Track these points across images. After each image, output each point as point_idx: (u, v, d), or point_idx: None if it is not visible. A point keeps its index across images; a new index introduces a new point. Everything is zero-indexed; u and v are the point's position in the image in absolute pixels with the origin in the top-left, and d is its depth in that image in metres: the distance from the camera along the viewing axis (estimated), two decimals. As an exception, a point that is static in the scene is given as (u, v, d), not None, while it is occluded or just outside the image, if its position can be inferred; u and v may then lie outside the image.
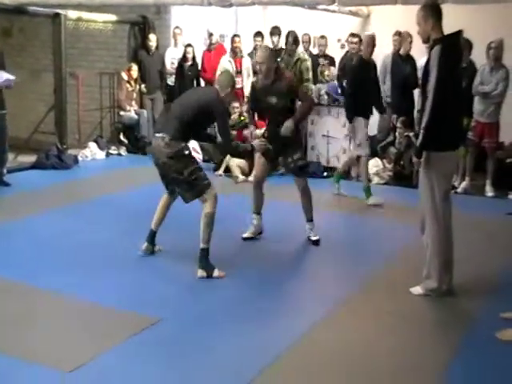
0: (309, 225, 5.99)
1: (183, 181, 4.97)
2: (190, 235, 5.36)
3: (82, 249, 5.57)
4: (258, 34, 10.22)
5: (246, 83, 9.62)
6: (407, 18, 9.59)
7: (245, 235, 5.95)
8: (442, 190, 4.61)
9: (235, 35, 10.14)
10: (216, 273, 4.93)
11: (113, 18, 10.43)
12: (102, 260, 5.33)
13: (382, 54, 9.93)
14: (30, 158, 8.99)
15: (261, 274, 5.15)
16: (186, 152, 5.02)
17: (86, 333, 4.06)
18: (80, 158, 9.42)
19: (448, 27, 4.59)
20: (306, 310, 4.53)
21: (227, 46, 10.43)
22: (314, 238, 5.93)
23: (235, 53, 9.87)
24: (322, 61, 9.82)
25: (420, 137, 4.50)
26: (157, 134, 5.07)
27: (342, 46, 10.75)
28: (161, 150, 4.95)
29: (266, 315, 4.46)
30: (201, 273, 4.93)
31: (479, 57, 8.27)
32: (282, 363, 3.73)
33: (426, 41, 4.65)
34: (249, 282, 4.97)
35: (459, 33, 4.63)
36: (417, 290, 4.76)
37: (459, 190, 8.43)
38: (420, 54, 9.19)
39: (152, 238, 5.41)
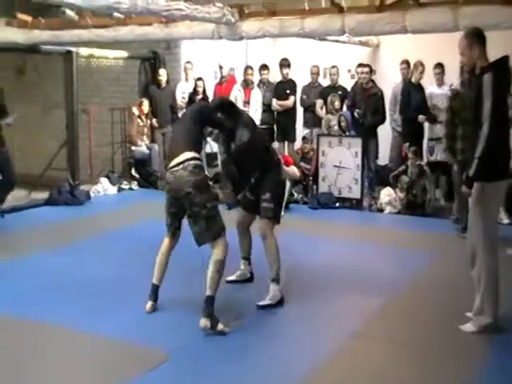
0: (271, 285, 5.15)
1: (204, 216, 4.56)
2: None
3: (93, 284, 5.54)
4: (264, 66, 10.31)
5: (252, 115, 9.68)
6: (416, 48, 9.79)
7: (228, 278, 5.43)
8: (495, 220, 4.56)
9: (248, 67, 10.22)
10: (220, 326, 4.51)
11: (123, 54, 10.55)
12: (113, 294, 5.30)
13: (391, 84, 10.03)
14: (43, 195, 9.03)
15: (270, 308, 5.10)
16: (210, 182, 4.92)
17: (93, 368, 4.03)
18: (92, 194, 9.45)
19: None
20: (322, 342, 4.46)
21: (238, 78, 10.50)
22: (260, 303, 5.07)
23: (247, 83, 9.93)
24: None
25: (473, 166, 4.38)
26: (175, 168, 4.63)
27: (352, 77, 10.79)
28: (184, 180, 4.55)
29: (282, 348, 4.40)
30: (204, 322, 4.48)
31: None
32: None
33: (472, 69, 4.64)
34: (256, 318, 4.90)
35: (506, 58, 4.59)
36: (468, 327, 4.60)
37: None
38: (428, 82, 9.28)
39: (156, 294, 4.93)
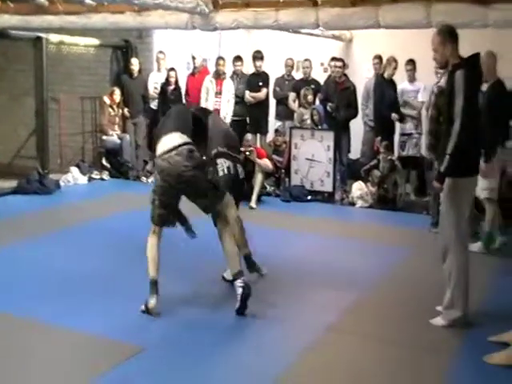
0: None
1: (210, 188, 4.73)
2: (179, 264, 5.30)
3: (65, 277, 5.44)
4: (238, 58, 10.27)
5: (224, 107, 9.64)
6: (389, 43, 9.83)
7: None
8: (466, 215, 4.59)
9: (220, 57, 10.16)
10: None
11: (95, 41, 10.40)
12: (85, 288, 5.20)
13: (363, 78, 10.06)
14: (11, 184, 8.87)
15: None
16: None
17: (68, 362, 3.97)
18: (62, 183, 9.31)
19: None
20: (296, 337, 4.46)
21: (211, 69, 10.44)
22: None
23: (218, 74, 9.88)
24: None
25: (445, 162, 4.42)
26: (168, 154, 4.55)
27: (325, 70, 10.80)
28: (182, 166, 4.52)
29: (256, 343, 4.39)
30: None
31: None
32: None
33: (444, 66, 4.67)
34: (229, 312, 4.83)
35: (478, 55, 4.63)
36: (438, 321, 4.64)
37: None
38: (400, 79, 9.33)
39: (157, 287, 4.67)
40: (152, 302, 4.63)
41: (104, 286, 5.25)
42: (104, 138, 10.25)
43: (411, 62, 9.24)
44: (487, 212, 6.57)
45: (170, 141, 4.62)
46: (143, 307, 4.65)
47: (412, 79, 9.32)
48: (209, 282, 5.35)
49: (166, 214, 4.77)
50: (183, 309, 4.81)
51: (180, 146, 4.59)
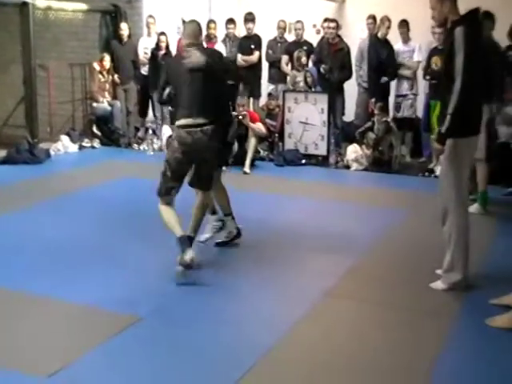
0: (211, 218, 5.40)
1: (210, 170, 4.89)
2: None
3: (57, 248, 5.33)
4: (231, 20, 10.11)
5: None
6: (382, 3, 9.65)
7: (217, 240, 5.41)
8: (466, 176, 4.51)
9: (211, 21, 9.97)
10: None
11: (83, 6, 10.19)
12: (78, 259, 5.10)
13: (357, 39, 9.89)
14: (0, 153, 8.71)
15: (243, 267, 5.02)
16: None
17: (64, 335, 3.89)
18: (52, 152, 9.14)
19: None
20: (293, 303, 4.39)
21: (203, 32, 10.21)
22: (217, 241, 5.39)
23: (210, 38, 9.69)
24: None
25: (446, 122, 4.29)
26: (193, 129, 4.66)
27: (318, 32, 10.61)
28: (204, 145, 4.70)
29: (252, 309, 4.32)
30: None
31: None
32: (270, 361, 3.59)
33: (442, 24, 4.54)
34: (232, 278, 4.81)
35: (477, 11, 4.47)
36: (438, 284, 4.57)
37: (437, 173, 8.33)
38: (395, 39, 9.17)
39: (190, 242, 4.66)
40: (189, 254, 4.50)
41: (97, 256, 5.15)
42: (94, 105, 10.08)
43: (404, 23, 9.08)
44: (478, 172, 6.49)
45: (196, 116, 4.66)
46: (179, 268, 4.54)
47: (406, 40, 9.16)
48: (203, 248, 5.24)
49: (176, 187, 4.77)
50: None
51: (205, 124, 4.68)
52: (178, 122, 4.74)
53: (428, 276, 4.71)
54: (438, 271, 4.68)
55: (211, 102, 4.79)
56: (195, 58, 4.74)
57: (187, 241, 4.59)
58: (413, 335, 3.94)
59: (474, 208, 6.29)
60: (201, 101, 4.72)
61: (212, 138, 4.73)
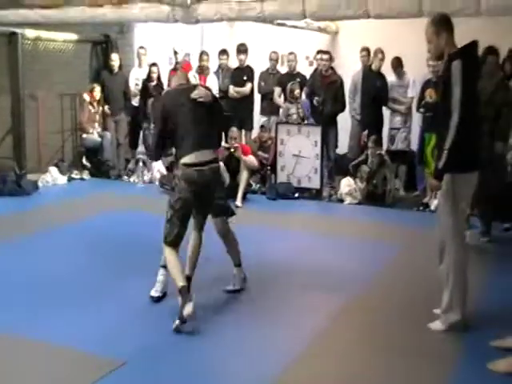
0: (236, 270, 5.12)
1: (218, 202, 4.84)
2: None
3: (39, 284, 5.10)
4: (223, 51, 10.06)
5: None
6: (376, 35, 9.60)
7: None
8: (464, 213, 4.37)
9: (203, 52, 9.89)
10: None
11: (73, 37, 10.07)
12: (61, 294, 4.90)
13: (350, 71, 9.82)
14: (-13, 185, 8.52)
15: (233, 306, 4.83)
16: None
17: (39, 379, 3.65)
18: (40, 184, 8.97)
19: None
20: (282, 346, 4.17)
21: (193, 64, 10.15)
22: (228, 288, 5.07)
23: (202, 70, 9.61)
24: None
25: (443, 157, 4.15)
26: (202, 167, 4.44)
27: (311, 64, 10.59)
28: (210, 179, 4.53)
29: (241, 350, 4.12)
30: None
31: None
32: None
33: (439, 57, 4.42)
34: (221, 317, 4.62)
35: (475, 43, 4.37)
36: (437, 325, 4.38)
37: (432, 207, 8.27)
38: (389, 71, 9.11)
39: (189, 294, 4.35)
40: (189, 307, 4.21)
41: (80, 293, 4.93)
42: (84, 136, 9.92)
43: (396, 60, 9.03)
44: None
45: (202, 155, 4.47)
46: (177, 322, 4.24)
47: (400, 75, 9.10)
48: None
49: (183, 231, 4.52)
50: (164, 317, 4.47)
51: (211, 161, 4.54)
52: (183, 160, 4.44)
53: (425, 316, 4.52)
54: (436, 311, 4.49)
55: (214, 134, 4.76)
56: (203, 92, 4.59)
57: (187, 293, 4.32)
58: (411, 380, 3.74)
59: None
60: (206, 133, 4.53)
61: (219, 175, 4.75)
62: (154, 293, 4.84)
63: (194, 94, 4.51)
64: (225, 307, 4.80)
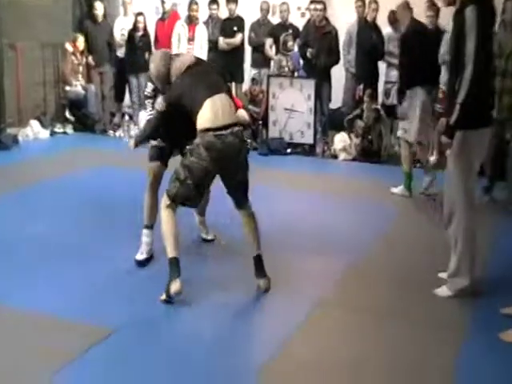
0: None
1: (246, 181, 4.22)
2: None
3: (20, 246, 4.80)
4: (214, 1, 9.66)
5: (197, 54, 8.90)
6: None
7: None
8: (475, 172, 4.09)
9: (192, 1, 9.44)
10: None
11: (54, -16, 9.58)
12: (43, 258, 4.58)
13: (344, 23, 9.44)
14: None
15: (229, 274, 4.53)
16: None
17: (23, 351, 3.37)
18: (20, 138, 8.56)
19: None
20: (283, 317, 3.92)
21: (182, 13, 9.73)
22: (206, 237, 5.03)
23: (191, 20, 9.21)
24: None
25: (455, 113, 3.85)
26: (223, 131, 3.94)
27: (303, 15, 10.18)
28: (237, 148, 4.04)
29: (238, 327, 3.86)
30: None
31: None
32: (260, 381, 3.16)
33: (451, 2, 4.06)
34: (216, 288, 4.32)
35: None
36: (444, 291, 4.14)
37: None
38: (386, 23, 8.72)
39: (179, 268, 3.98)
40: (177, 284, 3.90)
41: (63, 257, 4.61)
42: (67, 88, 9.50)
43: (393, 15, 8.59)
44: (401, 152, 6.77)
45: (220, 113, 3.97)
46: (163, 296, 3.96)
47: (396, 29, 8.71)
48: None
49: (196, 196, 4.10)
50: (154, 285, 4.16)
51: (234, 124, 4.05)
52: (201, 126, 3.94)
53: (430, 281, 4.29)
54: (442, 275, 4.27)
55: (222, 81, 4.33)
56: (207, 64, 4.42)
57: (178, 266, 3.96)
58: (419, 351, 3.51)
59: (398, 189, 6.61)
60: (214, 81, 4.18)
61: (244, 141, 4.20)
62: (140, 255, 4.58)
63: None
64: (218, 276, 4.48)
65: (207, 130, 3.92)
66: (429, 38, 6.79)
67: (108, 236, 5.05)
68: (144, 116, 4.75)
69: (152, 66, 4.33)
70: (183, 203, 4.09)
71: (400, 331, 3.73)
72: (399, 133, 6.82)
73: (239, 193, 4.21)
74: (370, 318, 3.89)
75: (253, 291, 4.17)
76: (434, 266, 4.48)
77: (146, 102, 4.64)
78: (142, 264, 4.54)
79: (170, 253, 3.99)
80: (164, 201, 4.07)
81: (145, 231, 4.61)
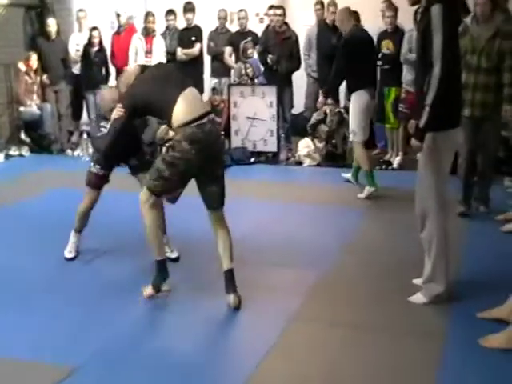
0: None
1: (223, 176, 4.10)
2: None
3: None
4: (170, 12, 9.48)
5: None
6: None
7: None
8: (447, 173, 3.96)
9: (148, 13, 9.25)
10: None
11: (3, 1, 9.29)
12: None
13: (302, 27, 9.34)
14: None
15: (196, 289, 4.34)
16: None
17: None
18: (-27, 163, 8.30)
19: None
20: (256, 333, 3.75)
21: (138, 26, 9.54)
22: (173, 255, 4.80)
23: (148, 32, 9.02)
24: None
25: (424, 115, 3.73)
26: (201, 121, 3.86)
27: (261, 21, 10.09)
28: (216, 136, 4.08)
29: (210, 347, 3.70)
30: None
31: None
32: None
33: (416, 1, 3.97)
34: (185, 304, 4.14)
35: None
36: (418, 298, 4.00)
37: (395, 165, 8.03)
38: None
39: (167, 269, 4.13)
40: (165, 287, 4.09)
41: (14, 288, 4.32)
42: (21, 109, 9.19)
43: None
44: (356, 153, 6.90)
45: (195, 105, 3.92)
46: (149, 291, 4.05)
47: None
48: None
49: (180, 187, 4.12)
50: (117, 316, 3.95)
51: (208, 112, 4.01)
52: (179, 121, 3.85)
53: (404, 288, 4.15)
54: (416, 281, 4.12)
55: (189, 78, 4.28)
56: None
57: (166, 268, 4.06)
58: (399, 363, 3.36)
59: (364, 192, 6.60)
60: (180, 77, 4.16)
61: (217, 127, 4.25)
62: (69, 254, 4.84)
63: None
64: (185, 291, 4.27)
65: (187, 123, 3.83)
66: (368, 43, 6.95)
67: (63, 263, 4.82)
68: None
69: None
70: (162, 193, 4.02)
71: (378, 343, 3.57)
72: (351, 136, 6.91)
73: (217, 191, 4.04)
74: (347, 331, 3.73)
75: (224, 307, 3.99)
76: (406, 272, 4.34)
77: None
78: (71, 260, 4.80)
79: (158, 255, 4.03)
80: (147, 198, 3.94)
81: (74, 233, 4.87)
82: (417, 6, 4.27)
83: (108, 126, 4.46)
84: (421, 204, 3.96)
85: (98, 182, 4.72)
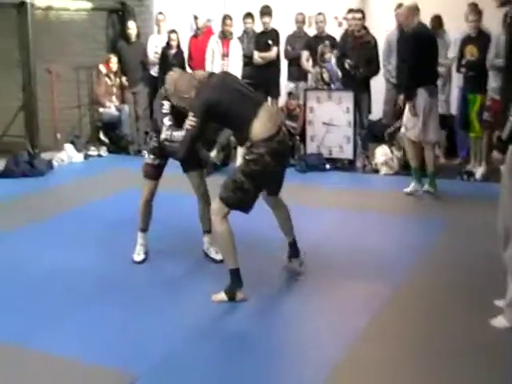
0: (207, 237, 4.97)
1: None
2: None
3: (46, 281, 4.53)
4: (249, 15, 9.39)
5: (232, 70, 8.66)
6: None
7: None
8: None
9: (227, 16, 9.24)
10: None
11: (87, 5, 9.52)
12: (67, 295, 4.30)
13: (383, 32, 9.12)
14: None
15: (262, 303, 4.26)
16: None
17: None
18: (55, 163, 8.45)
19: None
20: (323, 350, 3.61)
21: (216, 29, 9.55)
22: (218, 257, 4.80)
23: (225, 35, 8.99)
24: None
25: (508, 126, 3.54)
26: (280, 134, 4.10)
27: (340, 24, 9.90)
28: (287, 146, 4.33)
29: (275, 363, 3.58)
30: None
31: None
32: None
33: (505, 2, 3.79)
34: (248, 318, 4.06)
35: None
36: (500, 321, 3.77)
37: (478, 176, 7.70)
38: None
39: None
40: (242, 294, 4.13)
41: (92, 293, 4.35)
42: (101, 110, 9.40)
43: (437, 20, 8.32)
44: (426, 154, 6.91)
45: (275, 120, 4.17)
46: (221, 297, 4.11)
47: (440, 35, 8.35)
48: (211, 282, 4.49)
49: (253, 200, 4.16)
50: (182, 321, 3.94)
51: (282, 124, 4.28)
52: (262, 135, 4.00)
53: (484, 308, 3.92)
54: (498, 303, 3.89)
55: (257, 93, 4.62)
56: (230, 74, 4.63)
57: (240, 277, 4.13)
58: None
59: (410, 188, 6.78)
60: (252, 93, 4.33)
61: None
62: (137, 257, 4.88)
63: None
64: (250, 305, 4.18)
65: (270, 137, 4.02)
66: (433, 40, 6.89)
67: (146, 268, 4.82)
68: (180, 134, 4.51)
69: (169, 84, 4.47)
70: (238, 208, 4.13)
71: (456, 366, 3.38)
72: (402, 129, 6.99)
73: (278, 185, 4.46)
74: (419, 353, 3.54)
75: (284, 320, 3.89)
76: (487, 292, 4.12)
77: (165, 119, 4.60)
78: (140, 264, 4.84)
79: (232, 264, 4.11)
80: (221, 209, 4.07)
81: (140, 234, 4.92)
82: (506, 8, 4.04)
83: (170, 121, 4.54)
84: (504, 221, 3.72)
85: (154, 172, 4.80)
